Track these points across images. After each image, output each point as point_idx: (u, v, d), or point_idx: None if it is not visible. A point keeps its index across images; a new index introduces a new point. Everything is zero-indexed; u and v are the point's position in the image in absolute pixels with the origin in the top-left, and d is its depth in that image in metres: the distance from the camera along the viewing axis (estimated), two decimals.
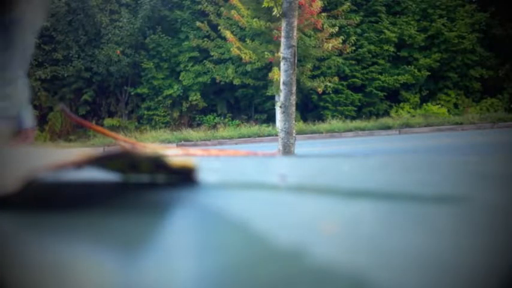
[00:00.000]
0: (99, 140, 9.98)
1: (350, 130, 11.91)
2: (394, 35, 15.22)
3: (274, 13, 4.55)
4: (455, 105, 15.33)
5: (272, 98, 13.68)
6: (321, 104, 14.65)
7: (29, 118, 1.41)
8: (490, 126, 11.73)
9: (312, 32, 12.52)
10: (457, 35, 15.39)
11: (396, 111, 14.72)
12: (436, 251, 0.17)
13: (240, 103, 15.38)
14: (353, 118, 13.97)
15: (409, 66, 15.28)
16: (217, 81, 14.35)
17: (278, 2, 4.27)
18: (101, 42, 14.77)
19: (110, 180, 0.36)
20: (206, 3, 14.42)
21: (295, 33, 4.00)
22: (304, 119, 13.95)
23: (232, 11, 12.36)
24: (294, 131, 4.14)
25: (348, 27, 14.63)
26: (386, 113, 14.74)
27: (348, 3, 14.35)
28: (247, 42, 12.71)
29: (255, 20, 12.18)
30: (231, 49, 12.28)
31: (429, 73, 15.18)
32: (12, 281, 0.16)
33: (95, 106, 15.25)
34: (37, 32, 1.47)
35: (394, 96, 15.26)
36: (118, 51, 14.52)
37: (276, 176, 0.42)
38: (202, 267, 0.16)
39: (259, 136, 11.83)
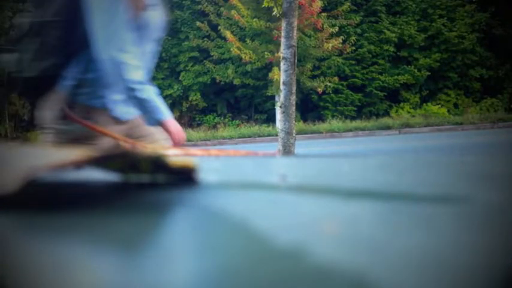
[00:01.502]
0: None
1: (350, 130, 11.91)
2: (394, 35, 15.23)
3: (274, 13, 4.55)
4: (455, 105, 15.33)
5: (272, 98, 13.68)
6: (321, 104, 14.65)
7: (164, 108, 1.44)
8: (490, 126, 11.74)
9: (312, 32, 12.52)
10: (457, 35, 15.39)
11: (396, 111, 14.72)
12: (436, 251, 0.17)
13: (240, 103, 15.38)
14: (353, 118, 13.98)
15: (409, 66, 15.28)
16: (217, 81, 14.36)
17: (278, 2, 4.27)
18: None
19: (110, 180, 0.36)
20: (206, 3, 14.42)
21: (295, 33, 4.00)
22: (304, 119, 13.96)
23: (232, 11, 12.36)
24: (294, 131, 4.14)
25: (348, 27, 14.63)
26: (386, 113, 14.75)
27: (348, 3, 14.35)
28: (247, 42, 12.71)
29: (255, 20, 12.18)
30: (231, 49, 12.28)
31: (429, 73, 15.18)
32: (12, 281, 0.16)
33: None
34: (159, 42, 1.57)
35: (394, 96, 15.27)
36: None
37: (276, 176, 0.42)
38: (202, 267, 0.16)
39: (259, 136, 11.83)
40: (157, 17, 1.48)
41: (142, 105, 1.37)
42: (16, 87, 1.44)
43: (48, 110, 1.43)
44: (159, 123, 1.40)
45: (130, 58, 1.35)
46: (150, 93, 1.38)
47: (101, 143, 1.42)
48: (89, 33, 1.33)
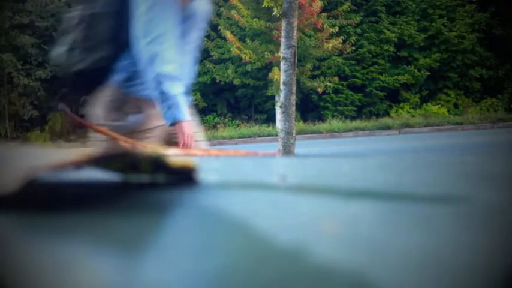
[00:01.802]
0: None
1: (350, 130, 11.91)
2: (394, 35, 15.22)
3: (274, 13, 4.55)
4: (455, 105, 15.33)
5: (272, 98, 13.68)
6: (321, 104, 14.65)
7: (185, 108, 1.36)
8: (490, 126, 11.74)
9: (312, 32, 12.53)
10: (457, 35, 15.39)
11: (396, 111, 14.72)
12: (436, 251, 0.17)
13: (240, 103, 15.38)
14: (353, 118, 13.98)
15: (409, 66, 15.28)
16: (217, 81, 14.35)
17: (278, 2, 4.27)
18: None
19: (110, 180, 0.36)
20: None
21: (295, 33, 4.00)
22: (304, 119, 13.96)
23: (232, 11, 12.36)
24: (294, 131, 4.14)
25: (348, 27, 14.63)
26: (386, 113, 14.75)
27: (348, 3, 14.35)
28: (247, 42, 12.71)
29: (255, 20, 12.18)
30: (231, 49, 12.28)
31: (429, 73, 15.18)
32: (12, 281, 0.16)
33: None
34: (203, 32, 1.53)
35: (394, 96, 15.27)
36: None
37: (276, 176, 0.42)
38: (202, 267, 0.16)
39: (259, 136, 11.83)
40: (203, 6, 1.45)
41: (165, 99, 1.33)
42: (67, 82, 1.41)
43: (101, 107, 1.40)
44: (176, 121, 1.35)
45: (167, 49, 1.31)
46: (177, 89, 1.34)
47: (153, 136, 1.40)
48: (131, 23, 1.31)
